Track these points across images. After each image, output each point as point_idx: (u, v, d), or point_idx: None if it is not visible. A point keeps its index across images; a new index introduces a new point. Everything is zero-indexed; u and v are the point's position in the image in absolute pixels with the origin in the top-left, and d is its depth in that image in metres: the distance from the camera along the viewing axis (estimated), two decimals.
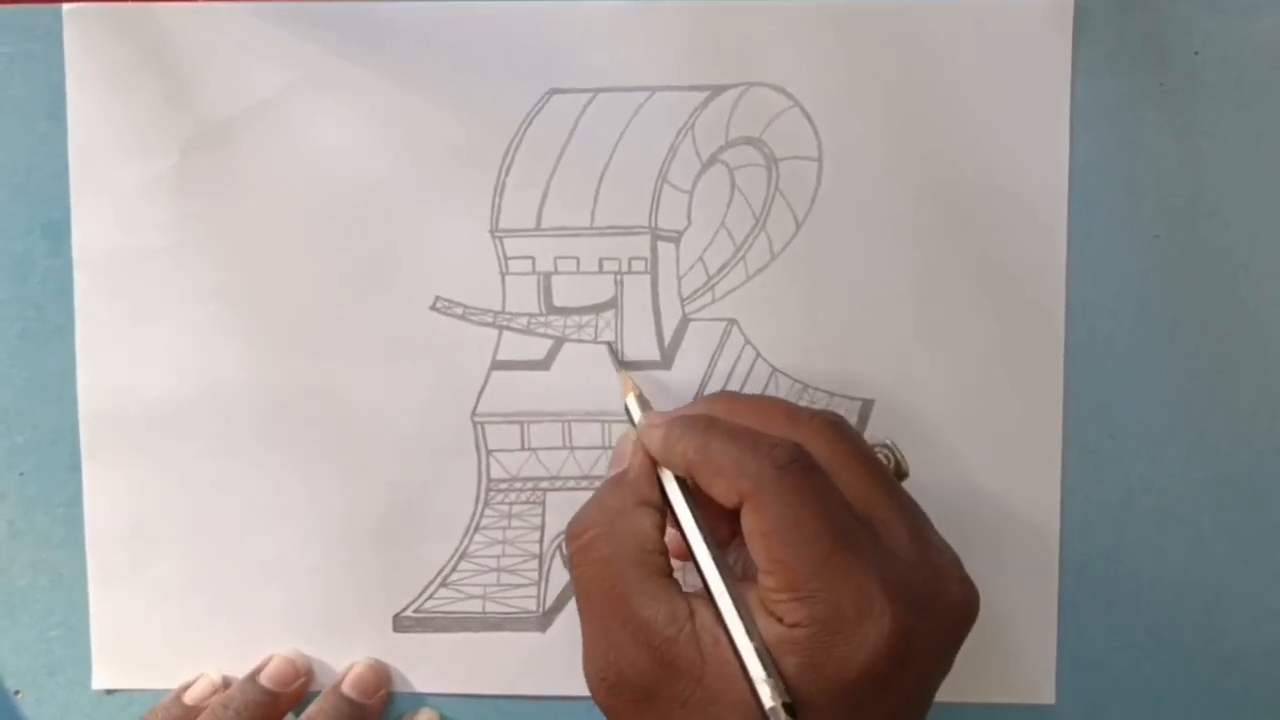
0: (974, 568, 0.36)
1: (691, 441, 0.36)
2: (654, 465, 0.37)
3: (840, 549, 0.33)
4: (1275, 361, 0.42)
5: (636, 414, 0.39)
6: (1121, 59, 0.42)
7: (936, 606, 0.34)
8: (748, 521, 0.34)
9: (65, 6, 0.42)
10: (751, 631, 0.33)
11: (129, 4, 0.42)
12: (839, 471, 0.35)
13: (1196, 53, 0.42)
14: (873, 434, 0.39)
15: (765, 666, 0.32)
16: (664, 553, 0.36)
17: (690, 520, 0.36)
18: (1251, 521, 0.43)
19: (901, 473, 0.39)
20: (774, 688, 0.32)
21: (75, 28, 0.43)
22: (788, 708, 0.32)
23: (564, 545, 0.37)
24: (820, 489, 0.34)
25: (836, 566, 0.33)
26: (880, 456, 0.38)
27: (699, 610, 0.34)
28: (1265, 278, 0.42)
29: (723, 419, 0.36)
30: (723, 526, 0.36)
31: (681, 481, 0.37)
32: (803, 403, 0.43)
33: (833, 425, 0.36)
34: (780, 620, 0.33)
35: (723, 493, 0.35)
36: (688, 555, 0.36)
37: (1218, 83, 0.42)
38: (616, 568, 0.35)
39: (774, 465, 0.34)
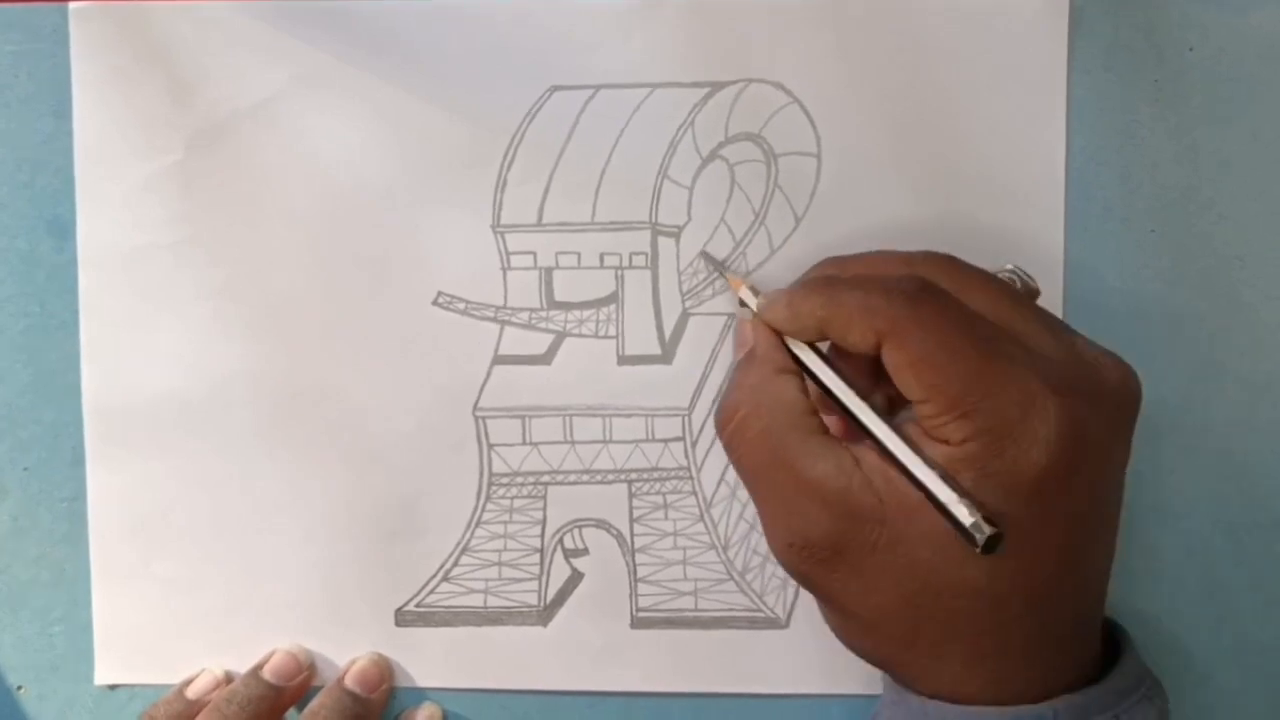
0: None
1: (818, 299, 0.36)
2: (780, 338, 0.37)
3: (990, 357, 0.33)
4: (1272, 355, 0.43)
5: (751, 300, 0.39)
6: (1117, 55, 0.42)
7: (1099, 391, 0.34)
8: (891, 358, 0.34)
9: (71, 5, 0.43)
10: (925, 459, 0.33)
11: (135, 2, 0.43)
12: (967, 295, 0.35)
13: (1191, 49, 0.42)
14: (997, 264, 0.39)
15: (951, 487, 0.33)
16: (815, 412, 0.36)
17: (831, 374, 0.36)
18: (1249, 517, 0.43)
19: (1032, 291, 0.39)
20: (966, 506, 0.32)
21: (81, 26, 0.43)
22: (987, 521, 0.32)
23: (717, 433, 0.37)
24: (955, 308, 0.34)
25: (991, 374, 0.33)
26: (1006, 280, 0.38)
27: (863, 456, 0.35)
28: (1261, 272, 0.42)
29: (843, 273, 0.37)
30: (858, 382, 0.36)
31: (810, 346, 0.37)
32: None
33: (948, 257, 0.37)
34: (947, 442, 0.33)
35: (859, 339, 0.35)
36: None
37: (1213, 79, 0.42)
38: (775, 437, 0.36)
39: (905, 297, 0.34)
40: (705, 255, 0.43)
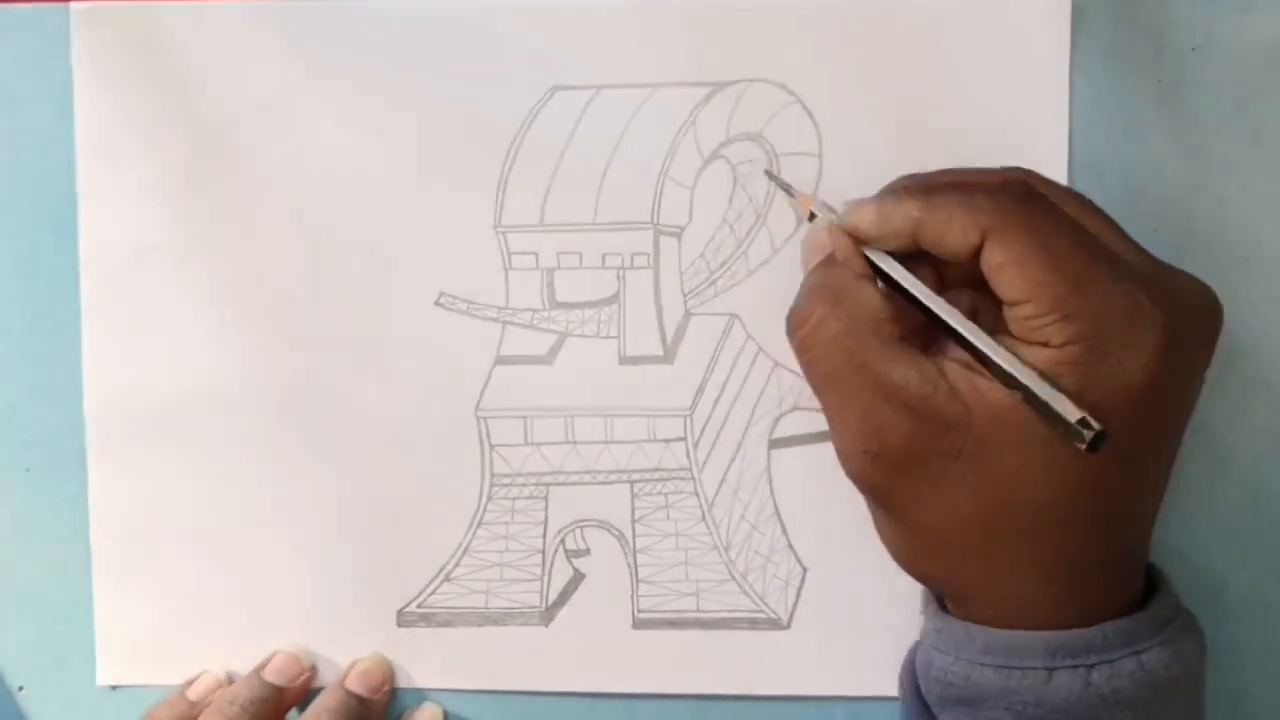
0: None
1: (913, 201, 0.35)
2: (859, 247, 0.37)
3: (1096, 261, 0.33)
4: (1273, 356, 0.43)
5: (826, 214, 0.38)
6: (1119, 56, 0.42)
7: (1191, 311, 0.35)
8: (994, 256, 0.33)
9: (73, 5, 0.43)
10: (1023, 360, 0.33)
11: (137, 3, 0.43)
12: (1060, 205, 0.35)
13: (1194, 49, 0.42)
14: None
15: (1060, 390, 0.32)
16: (895, 320, 0.35)
17: (915, 280, 0.35)
18: (1249, 515, 0.43)
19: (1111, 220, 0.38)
20: (1072, 404, 0.32)
21: (83, 27, 0.43)
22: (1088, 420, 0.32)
23: (789, 336, 0.37)
24: (1058, 212, 0.34)
25: (1096, 278, 0.33)
26: None
27: (946, 366, 0.34)
28: (1264, 273, 0.42)
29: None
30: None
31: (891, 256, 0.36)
32: (803, 397, 0.43)
33: (1034, 172, 0.36)
34: (1045, 344, 0.33)
35: (959, 239, 0.34)
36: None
37: (1215, 79, 0.42)
38: (855, 339, 0.35)
39: (1010, 197, 0.34)
40: (769, 174, 0.42)
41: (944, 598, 0.38)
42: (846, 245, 0.37)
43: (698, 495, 0.43)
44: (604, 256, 0.43)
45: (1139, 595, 0.37)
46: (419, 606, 0.44)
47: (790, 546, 0.43)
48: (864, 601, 0.43)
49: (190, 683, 0.44)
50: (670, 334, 0.43)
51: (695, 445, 0.43)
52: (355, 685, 0.43)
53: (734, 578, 0.43)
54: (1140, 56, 0.42)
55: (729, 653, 0.43)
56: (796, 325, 0.36)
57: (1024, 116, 0.42)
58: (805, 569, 0.43)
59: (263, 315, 0.43)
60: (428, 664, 0.44)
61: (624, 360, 0.43)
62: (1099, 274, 0.33)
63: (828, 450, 0.42)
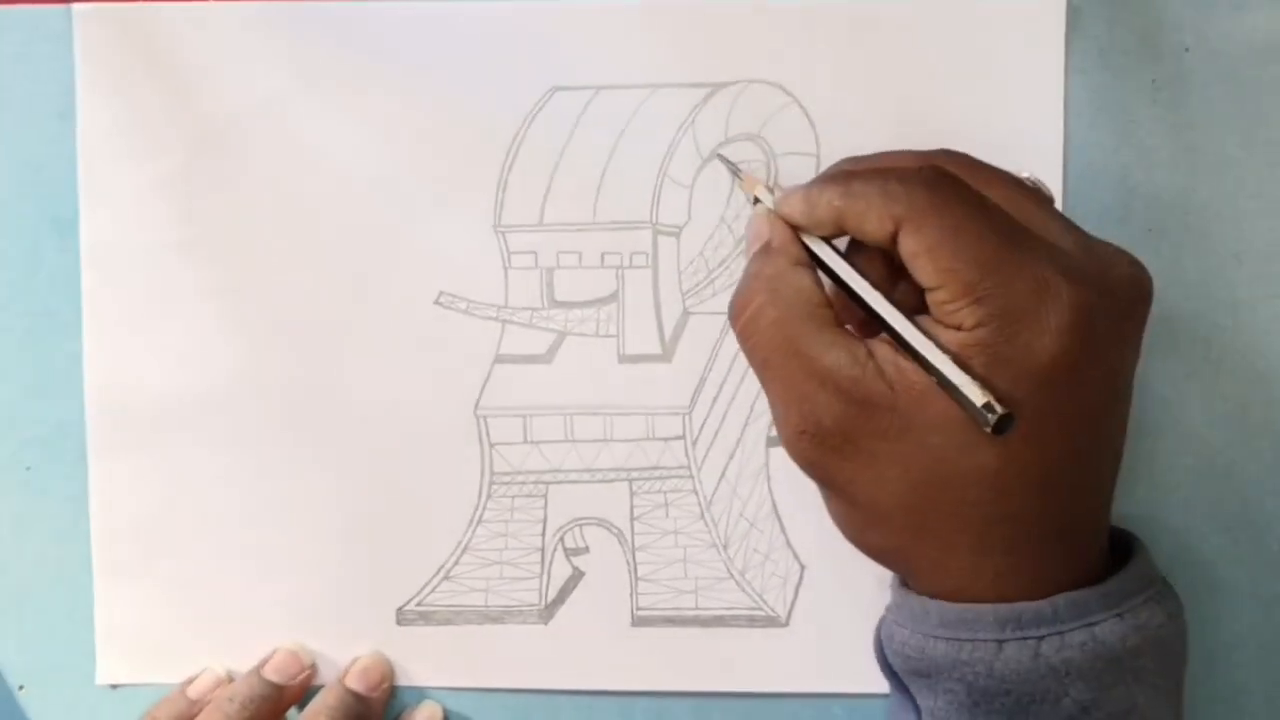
0: None
1: (834, 190, 0.36)
2: (795, 234, 0.38)
3: (1007, 245, 0.34)
4: (1269, 355, 0.43)
5: (767, 196, 0.39)
6: (1113, 56, 0.42)
7: (1112, 285, 0.35)
8: (908, 244, 0.34)
9: (75, 6, 0.43)
10: (938, 343, 0.34)
11: (138, 4, 0.43)
12: (985, 189, 0.35)
13: (1188, 49, 0.42)
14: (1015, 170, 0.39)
15: (963, 369, 0.33)
16: (829, 305, 0.36)
17: (845, 266, 0.36)
18: (1245, 515, 0.43)
19: (1047, 198, 0.39)
20: (978, 387, 0.33)
21: (85, 27, 0.43)
22: (998, 402, 0.33)
23: (730, 325, 0.38)
24: (972, 196, 0.35)
25: (1006, 261, 0.33)
26: None
27: (874, 347, 0.35)
28: (1258, 271, 0.43)
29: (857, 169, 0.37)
30: (871, 276, 0.37)
31: (825, 242, 0.37)
32: None
33: (965, 154, 0.37)
34: (959, 328, 0.34)
35: (875, 227, 0.35)
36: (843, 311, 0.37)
37: (1209, 79, 0.42)
38: (790, 326, 0.36)
39: (923, 184, 0.35)
40: (721, 157, 0.42)
41: (900, 574, 0.38)
42: (782, 232, 0.38)
43: (696, 493, 0.44)
44: (603, 256, 0.43)
45: (1101, 567, 0.37)
46: (418, 604, 0.44)
47: (788, 544, 0.43)
48: (862, 598, 0.43)
49: (190, 681, 0.44)
50: (669, 333, 0.43)
51: (694, 443, 0.43)
52: (355, 683, 0.43)
53: (732, 575, 0.44)
54: (1135, 56, 0.42)
55: (727, 650, 0.44)
56: (736, 313, 0.37)
57: (1019, 116, 0.42)
58: (803, 566, 0.43)
59: (263, 314, 0.44)
60: (427, 662, 0.44)
61: (623, 359, 0.43)
62: (1009, 256, 0.34)
63: None
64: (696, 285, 0.43)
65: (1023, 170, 0.39)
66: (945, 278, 0.34)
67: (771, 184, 0.40)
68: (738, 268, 0.43)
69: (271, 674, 0.43)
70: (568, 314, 0.44)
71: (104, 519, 0.44)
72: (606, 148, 0.43)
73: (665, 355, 0.43)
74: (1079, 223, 0.42)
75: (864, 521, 0.37)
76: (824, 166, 0.42)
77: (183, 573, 0.44)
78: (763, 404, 0.43)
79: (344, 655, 0.44)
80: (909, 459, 0.35)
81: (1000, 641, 0.35)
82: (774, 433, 0.43)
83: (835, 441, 0.35)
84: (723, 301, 0.43)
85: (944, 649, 0.36)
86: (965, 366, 0.33)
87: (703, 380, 0.43)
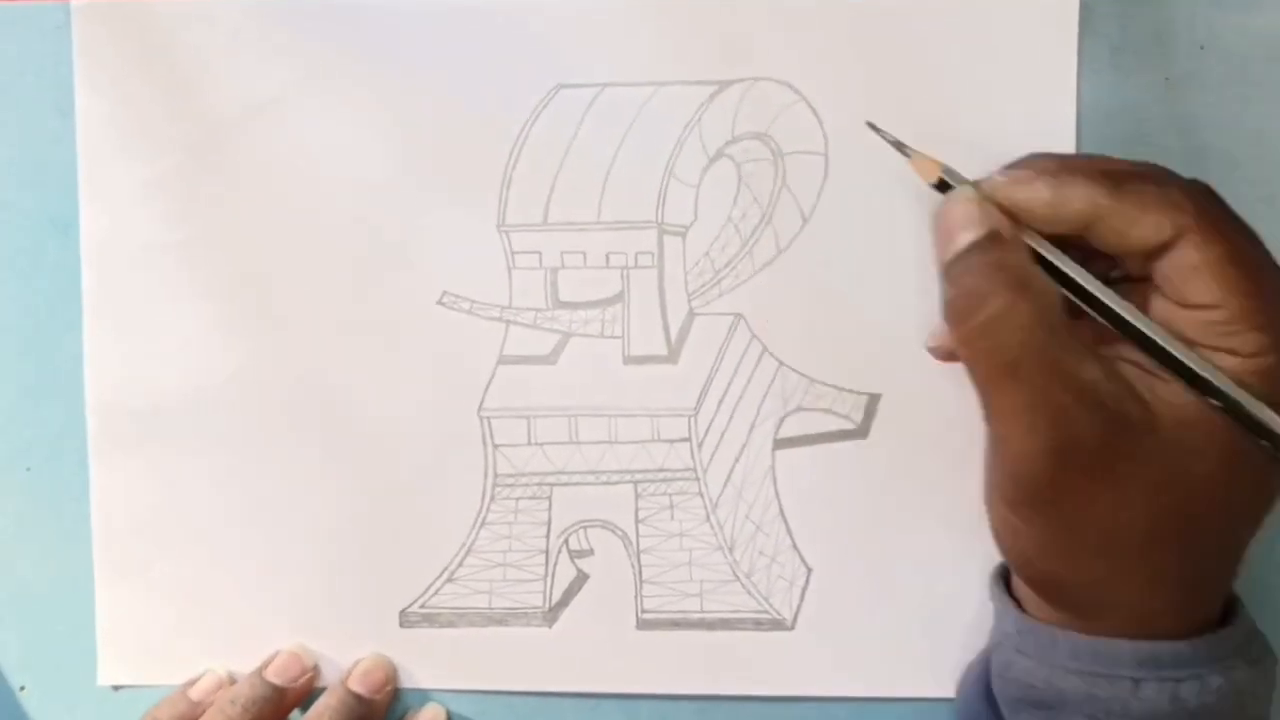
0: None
1: (1098, 186, 0.33)
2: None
3: None
4: None
5: (956, 182, 0.35)
6: (1126, 54, 0.42)
7: None
8: (1190, 256, 0.32)
9: (74, 3, 0.43)
10: (1217, 367, 0.32)
11: (138, 0, 0.43)
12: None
13: (1202, 47, 0.42)
14: None
15: (1255, 395, 0.31)
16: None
17: (1090, 276, 0.34)
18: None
19: None
20: (1272, 417, 0.31)
21: (84, 24, 0.43)
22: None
23: (951, 327, 0.34)
24: (1246, 223, 0.33)
25: None
26: None
27: (1120, 364, 0.33)
28: None
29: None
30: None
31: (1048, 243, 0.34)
32: (807, 397, 0.43)
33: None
34: (1233, 352, 0.32)
35: (1149, 232, 0.32)
36: None
37: (1223, 77, 0.42)
38: (1046, 330, 0.32)
39: (1206, 199, 0.33)
40: (871, 125, 0.38)
41: (1041, 601, 0.36)
42: (1008, 224, 0.34)
43: (702, 496, 0.43)
44: (608, 256, 0.43)
45: (1220, 612, 0.36)
46: (422, 607, 0.44)
47: (795, 547, 0.43)
48: (868, 602, 0.43)
49: (192, 682, 0.43)
50: (674, 334, 0.43)
51: (699, 445, 0.43)
52: (357, 685, 0.43)
53: (738, 578, 0.43)
54: (1147, 55, 0.42)
55: (733, 653, 0.43)
56: (969, 310, 0.33)
57: (1031, 115, 0.42)
58: (810, 569, 0.43)
59: (265, 314, 0.43)
60: (431, 664, 0.44)
61: (628, 360, 0.43)
62: None
63: (832, 451, 0.43)
64: (703, 286, 0.43)
65: None
66: (1229, 297, 0.32)
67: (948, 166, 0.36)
68: (744, 268, 0.43)
69: (273, 676, 0.43)
70: (572, 315, 0.43)
71: (105, 520, 0.44)
72: (611, 146, 0.42)
73: (671, 356, 0.43)
74: None
75: (1073, 546, 0.34)
76: (832, 165, 0.42)
77: (184, 574, 0.44)
78: (769, 406, 0.43)
79: (347, 657, 0.44)
80: (1158, 484, 0.32)
81: (1138, 680, 0.34)
82: (780, 434, 0.43)
83: (1086, 460, 0.32)
84: (729, 303, 0.43)
85: (1076, 683, 0.34)
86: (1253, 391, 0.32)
87: (709, 382, 0.43)
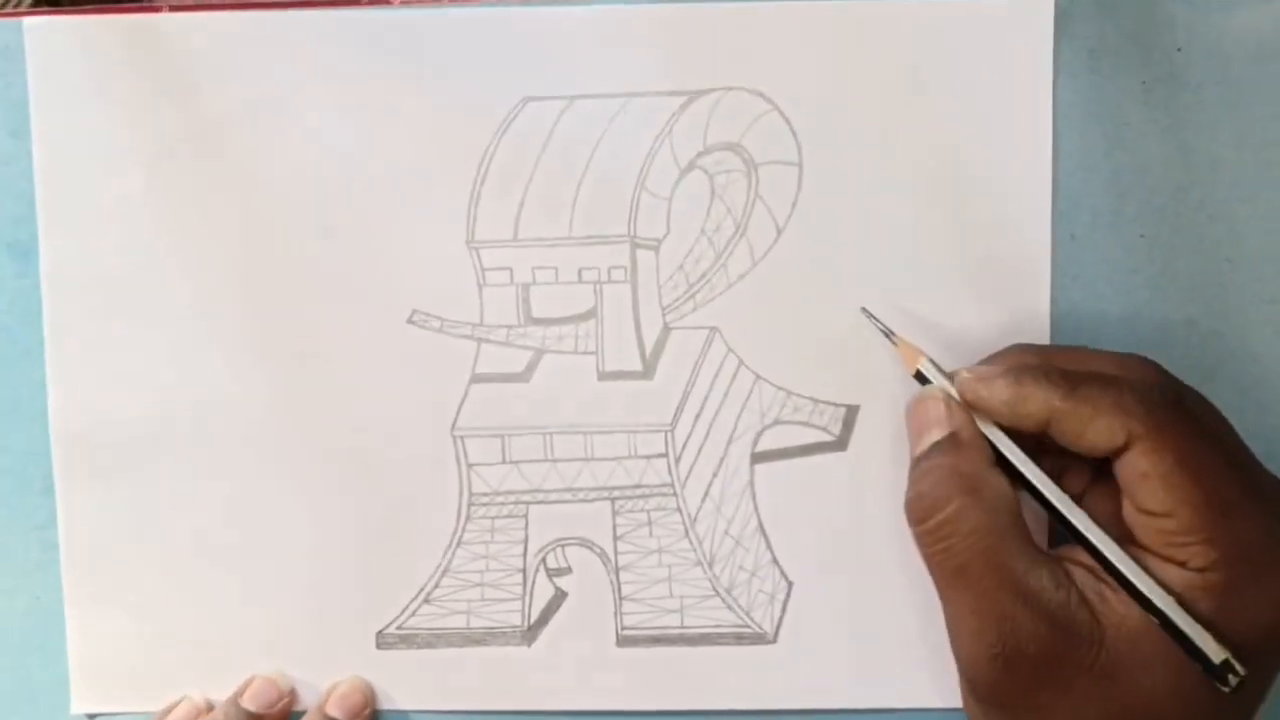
0: None
1: (1055, 389, 0.34)
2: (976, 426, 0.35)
3: (1244, 484, 0.32)
4: (1263, 360, 0.42)
5: (938, 376, 0.37)
6: (1103, 58, 0.41)
7: None
8: (1139, 464, 0.32)
9: (26, 20, 0.42)
10: (1159, 582, 0.32)
11: (92, 16, 0.41)
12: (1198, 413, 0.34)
13: (1179, 49, 0.41)
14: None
15: (1196, 618, 0.31)
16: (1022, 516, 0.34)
17: (1047, 481, 0.34)
18: None
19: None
20: (1215, 639, 0.31)
21: (37, 42, 0.42)
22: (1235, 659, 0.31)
23: (911, 526, 0.35)
24: (1211, 427, 0.33)
25: (1244, 501, 0.32)
26: None
27: (1073, 571, 0.33)
28: (1251, 274, 0.42)
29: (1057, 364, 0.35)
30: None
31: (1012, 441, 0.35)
32: (785, 410, 0.42)
33: (1159, 367, 0.35)
34: (1183, 564, 0.32)
35: (1101, 437, 0.33)
36: None
37: (1201, 79, 0.41)
38: (995, 535, 0.33)
39: (1165, 403, 0.33)
40: (866, 312, 0.40)
41: None
42: (969, 424, 0.35)
43: (680, 511, 0.43)
44: (580, 271, 0.42)
45: None
46: (398, 628, 0.43)
47: (775, 561, 0.43)
48: (850, 614, 0.42)
49: (168, 710, 0.43)
50: (649, 348, 0.42)
51: (677, 461, 0.43)
52: (334, 709, 0.42)
53: (718, 593, 0.43)
54: (1124, 58, 0.41)
55: (715, 668, 0.43)
56: (923, 514, 0.35)
57: (1008, 120, 0.41)
58: (790, 583, 0.43)
59: (232, 336, 0.42)
60: (409, 686, 0.43)
61: (603, 376, 0.42)
62: (1247, 497, 0.32)
63: (811, 464, 0.42)
64: (677, 300, 0.42)
65: None
66: (1180, 508, 0.32)
67: (930, 359, 0.38)
68: (718, 281, 0.42)
69: (249, 702, 0.42)
70: (545, 331, 0.42)
71: (74, 547, 0.43)
72: (581, 159, 0.42)
73: (646, 372, 0.42)
74: (1069, 232, 0.42)
75: None
76: (806, 175, 0.41)
77: (157, 600, 0.43)
78: (747, 419, 0.42)
79: (324, 681, 0.43)
80: (1111, 697, 0.32)
81: None
82: (758, 448, 0.42)
83: (1030, 668, 0.33)
84: (704, 316, 0.42)
85: None
86: (1191, 611, 0.32)
87: (685, 396, 0.42)
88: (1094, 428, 0.33)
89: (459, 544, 0.43)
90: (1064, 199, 0.42)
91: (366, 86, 0.42)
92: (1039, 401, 0.34)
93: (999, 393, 0.35)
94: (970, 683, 0.34)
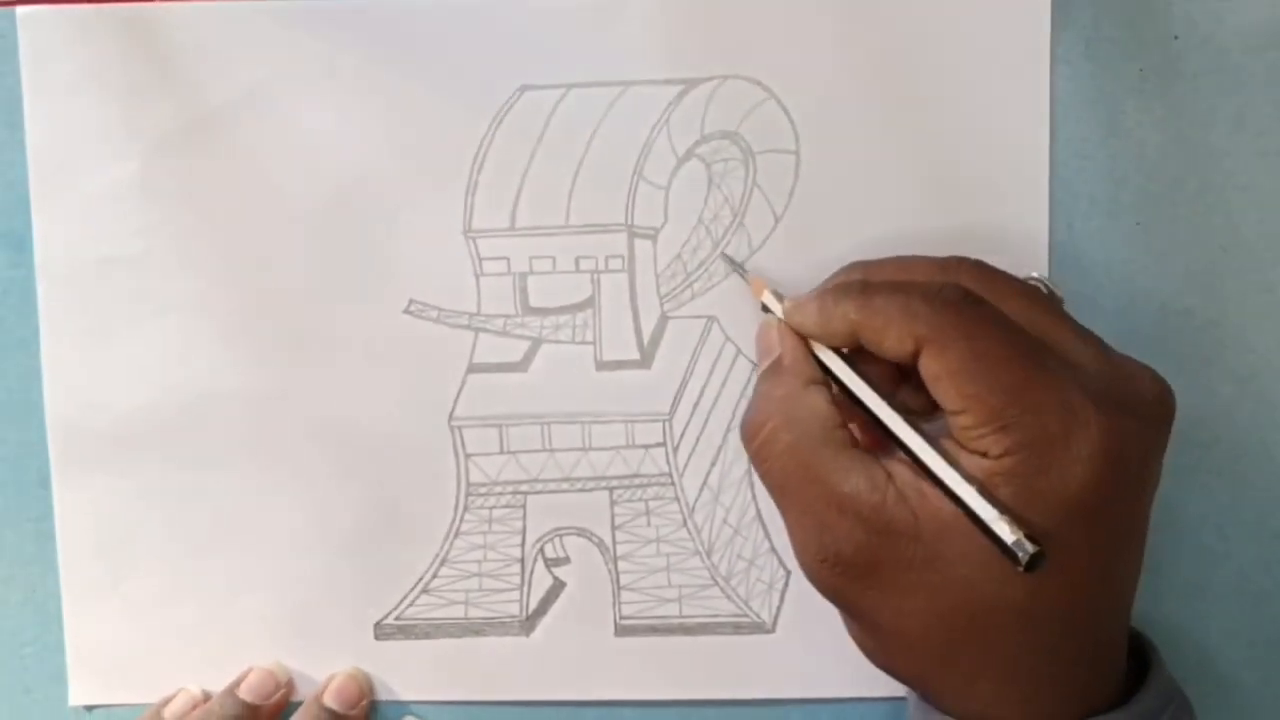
0: None
1: (851, 303, 0.35)
2: (807, 346, 0.37)
3: (1033, 369, 0.33)
4: (1258, 348, 0.42)
5: (775, 305, 0.38)
6: (1100, 46, 0.41)
7: (1138, 405, 0.34)
8: (930, 366, 0.33)
9: (19, 10, 0.41)
10: (962, 473, 0.33)
11: (85, 5, 0.41)
12: (1003, 303, 0.35)
13: (1176, 37, 0.41)
14: (1024, 272, 0.38)
15: (992, 503, 0.32)
16: (844, 425, 0.35)
17: (861, 383, 0.36)
18: (1234, 511, 0.43)
19: (1057, 301, 0.38)
20: (1008, 523, 0.32)
21: (30, 32, 0.41)
22: (1029, 539, 0.32)
23: (744, 446, 0.37)
24: (997, 318, 0.34)
25: (1033, 386, 0.33)
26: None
27: (894, 470, 0.34)
28: (1248, 262, 0.42)
29: (872, 279, 0.36)
30: (877, 383, 0.36)
31: (837, 353, 0.36)
32: None
33: (979, 263, 0.36)
34: (984, 455, 0.33)
35: (895, 345, 0.34)
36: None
37: (1197, 67, 0.41)
38: (806, 452, 0.35)
39: (946, 304, 0.34)
40: (725, 257, 0.41)
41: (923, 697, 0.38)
42: (793, 348, 0.37)
43: (678, 500, 0.43)
44: (577, 260, 0.42)
45: (1123, 682, 0.36)
46: (396, 619, 0.43)
47: (773, 550, 0.43)
48: None
49: (166, 702, 0.43)
50: (647, 338, 0.42)
51: (675, 450, 0.43)
52: (332, 700, 0.42)
53: (716, 582, 0.43)
54: (1121, 46, 0.41)
55: (713, 658, 0.43)
56: (749, 436, 0.37)
57: (1005, 108, 0.41)
58: (789, 572, 0.43)
59: (227, 327, 0.42)
60: (407, 676, 0.43)
61: (600, 365, 0.42)
62: (1038, 382, 0.33)
63: None
64: (675, 289, 0.42)
65: (1031, 271, 0.38)
66: (970, 403, 0.33)
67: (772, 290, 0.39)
68: (716, 270, 0.42)
69: (246, 694, 0.42)
70: (542, 321, 0.42)
71: (71, 539, 0.43)
72: (578, 148, 0.41)
73: (644, 361, 0.42)
74: (1066, 220, 0.42)
75: (888, 648, 0.36)
76: (804, 163, 0.41)
77: (154, 591, 0.43)
78: (744, 409, 0.42)
79: (321, 672, 0.43)
80: (934, 589, 0.33)
81: None
82: None
83: (857, 571, 0.34)
84: (702, 305, 0.42)
85: None
86: (991, 497, 0.32)
87: (683, 386, 0.42)
88: (887, 337, 0.34)
89: (457, 534, 0.43)
90: (1061, 187, 0.42)
91: (362, 76, 0.41)
92: (839, 317, 0.35)
93: (810, 315, 0.36)
94: (814, 586, 0.36)
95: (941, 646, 0.35)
